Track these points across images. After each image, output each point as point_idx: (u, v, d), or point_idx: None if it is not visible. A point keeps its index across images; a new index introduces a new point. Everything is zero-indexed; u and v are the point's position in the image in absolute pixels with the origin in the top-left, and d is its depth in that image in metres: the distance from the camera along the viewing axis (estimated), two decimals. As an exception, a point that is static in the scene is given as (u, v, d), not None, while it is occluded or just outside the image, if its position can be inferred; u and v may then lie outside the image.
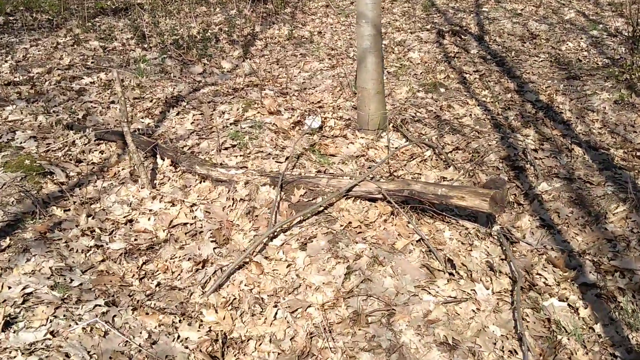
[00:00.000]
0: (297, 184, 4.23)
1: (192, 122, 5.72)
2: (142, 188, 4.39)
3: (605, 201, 4.29)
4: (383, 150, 5.10)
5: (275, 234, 3.84)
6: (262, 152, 4.98)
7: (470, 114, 5.91)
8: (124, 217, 4.10)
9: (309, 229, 3.90)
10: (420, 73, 7.31)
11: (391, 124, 5.50)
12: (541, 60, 7.90)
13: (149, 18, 8.72)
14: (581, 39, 8.84)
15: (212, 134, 5.42)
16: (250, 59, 7.79)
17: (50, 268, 3.45)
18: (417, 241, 3.78)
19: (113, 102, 6.07)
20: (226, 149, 5.07)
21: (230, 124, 5.63)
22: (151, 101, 6.17)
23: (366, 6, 5.08)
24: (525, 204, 4.35)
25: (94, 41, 7.93)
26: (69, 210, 4.09)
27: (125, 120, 4.25)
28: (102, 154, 5.04)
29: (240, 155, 4.90)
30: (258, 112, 5.83)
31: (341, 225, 3.90)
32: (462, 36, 8.95)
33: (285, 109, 5.95)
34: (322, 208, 4.06)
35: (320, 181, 4.16)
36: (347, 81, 6.76)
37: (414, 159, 4.93)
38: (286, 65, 7.54)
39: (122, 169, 4.75)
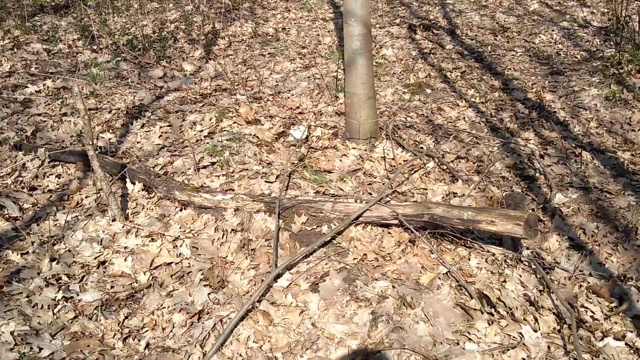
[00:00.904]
0: (297, 210, 3.68)
1: (160, 136, 5.07)
2: (113, 221, 3.75)
3: (631, 214, 3.92)
4: (379, 162, 4.60)
5: (280, 272, 3.28)
6: (247, 169, 4.40)
7: (464, 117, 5.48)
8: (95, 258, 3.47)
9: (319, 264, 3.37)
10: (400, 72, 6.84)
11: (383, 132, 4.99)
12: (519, 55, 7.58)
13: (95, 16, 7.91)
14: (553, 30, 8.58)
15: (185, 149, 4.79)
16: (213, 60, 7.14)
17: (11, 334, 2.81)
18: (444, 274, 3.29)
19: (65, 114, 5.34)
20: (205, 167, 4.45)
21: (205, 136, 5.01)
22: (110, 112, 5.47)
23: (355, 3, 4.57)
24: (546, 219, 3.93)
25: (36, 43, 7.10)
26: (28, 253, 3.42)
27: (90, 143, 3.59)
28: (60, 178, 4.35)
29: (223, 175, 4.30)
30: (234, 122, 5.23)
31: (355, 259, 3.39)
32: (434, 30, 8.53)
33: (263, 117, 5.36)
34: (329, 238, 3.52)
35: (324, 206, 3.63)
36: (324, 82, 6.22)
37: (415, 171, 4.44)
38: (255, 66, 6.92)
39: (86, 197, 4.08)
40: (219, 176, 4.30)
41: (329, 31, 8.56)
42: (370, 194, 4.10)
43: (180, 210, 3.91)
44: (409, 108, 5.66)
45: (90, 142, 3.60)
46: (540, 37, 8.43)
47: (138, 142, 5.00)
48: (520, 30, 8.70)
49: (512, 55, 7.59)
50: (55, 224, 3.75)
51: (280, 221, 3.65)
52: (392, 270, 3.32)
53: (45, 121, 5.16)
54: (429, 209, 3.39)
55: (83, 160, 4.41)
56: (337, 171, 4.44)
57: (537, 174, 4.53)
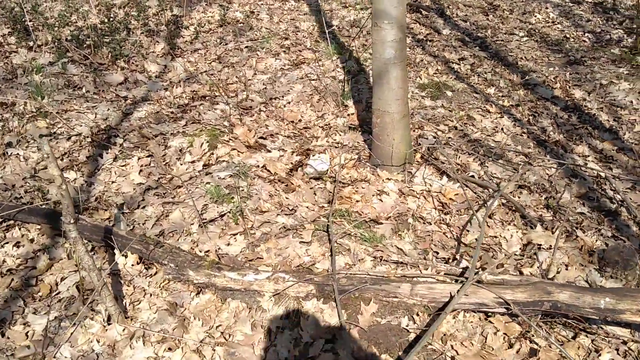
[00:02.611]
0: (362, 294, 2.74)
1: (141, 171, 3.98)
2: (108, 322, 2.72)
3: None
4: (425, 197, 3.71)
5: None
6: (269, 222, 3.42)
7: (502, 128, 4.65)
8: (94, 389, 2.43)
9: (412, 381, 2.45)
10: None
11: (417, 154, 4.09)
12: (525, 40, 6.80)
13: (26, 1, 6.52)
14: (547, 9, 7.83)
15: (178, 190, 3.75)
16: (181, 57, 5.97)
17: None
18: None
19: (10, 144, 4.14)
20: (212, 221, 3.43)
21: (199, 171, 3.95)
22: (69, 139, 4.31)
23: (389, 1, 3.58)
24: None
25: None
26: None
27: (72, 221, 2.53)
28: (19, 247, 3.22)
29: (241, 234, 3.29)
30: (232, 149, 4.19)
31: (457, 367, 2.49)
32: (423, 11, 7.61)
33: (267, 140, 4.35)
34: (413, 333, 2.62)
35: (399, 288, 2.72)
36: (322, 85, 5.22)
37: (471, 208, 3.58)
38: (232, 64, 5.81)
39: (62, 279, 3.01)
40: (235, 235, 3.29)
41: (304, 14, 7.48)
42: (436, 253, 3.21)
43: (197, 294, 2.90)
44: (436, 118, 4.76)
45: (72, 221, 2.52)
46: (535, 16, 7.69)
47: (113, 182, 3.90)
48: (511, 9, 7.93)
49: (517, 41, 6.79)
50: (28, 333, 2.66)
51: (343, 312, 2.70)
52: (513, 384, 2.46)
53: (-16, 158, 3.96)
54: (549, 294, 2.54)
55: (49, 220, 3.30)
56: (382, 216, 3.51)
57: (614, 205, 3.75)
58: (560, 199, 3.75)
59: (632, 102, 5.26)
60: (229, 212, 3.50)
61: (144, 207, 3.62)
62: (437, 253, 3.20)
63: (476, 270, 2.76)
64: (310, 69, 5.64)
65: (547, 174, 4.09)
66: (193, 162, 4.10)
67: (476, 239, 3.30)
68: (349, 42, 6.44)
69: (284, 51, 6.15)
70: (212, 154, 4.17)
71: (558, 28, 7.28)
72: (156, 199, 3.70)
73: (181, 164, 4.04)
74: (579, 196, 3.84)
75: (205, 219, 3.46)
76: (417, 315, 2.72)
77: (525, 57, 6.24)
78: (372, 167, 4.06)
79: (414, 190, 3.81)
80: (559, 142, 4.47)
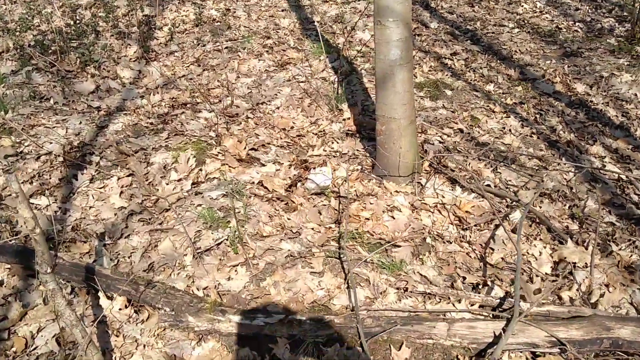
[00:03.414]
0: (391, 336, 2.38)
1: (122, 193, 3.56)
2: (98, 384, 2.29)
3: None
4: (440, 211, 3.38)
5: None
6: (272, 249, 3.04)
7: (510, 129, 4.34)
8: None
9: None
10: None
11: (425, 161, 3.75)
12: (517, 32, 6.50)
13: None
14: (532, -3, 7.55)
15: (164, 214, 3.35)
16: (156, 60, 5.52)
17: None
18: None
19: (-28, 167, 3.64)
20: (208, 250, 3.04)
21: (188, 191, 3.54)
22: (38, 159, 3.85)
23: (394, -4, 3.23)
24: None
25: None
26: None
27: (50, 270, 2.12)
28: (-14, 292, 2.79)
29: (242, 265, 2.91)
30: (222, 163, 3.79)
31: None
32: (408, 4, 7.24)
33: (260, 152, 3.97)
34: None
35: (434, 329, 2.37)
36: (313, 87, 4.85)
37: (491, 222, 3.26)
38: (213, 66, 5.39)
39: (38, 330, 2.58)
40: (236, 267, 2.91)
41: (283, 10, 7.07)
42: (463, 278, 2.88)
43: (199, 342, 2.51)
44: (439, 120, 4.42)
45: (49, 270, 2.12)
46: (522, 5, 7.42)
47: (91, 207, 3.47)
48: (497, -1, 7.61)
49: (509, 32, 6.50)
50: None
51: (372, 359, 2.34)
52: None
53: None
54: (608, 330, 2.23)
55: (20, 259, 2.87)
56: (396, 236, 3.16)
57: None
58: (585, 207, 3.43)
59: (636, 95, 5.01)
60: (226, 239, 3.10)
61: (128, 237, 3.20)
62: (464, 278, 2.86)
63: (520, 310, 2.40)
64: (298, 70, 5.25)
65: (565, 179, 3.78)
66: (180, 180, 3.68)
67: (468, 242, 2.97)
68: (334, 40, 6.06)
69: (267, 51, 5.74)
70: (201, 170, 3.76)
71: (547, 18, 7.01)
72: (141, 226, 3.28)
73: (167, 184, 3.62)
74: (604, 203, 3.53)
75: (200, 249, 3.06)
76: (457, 359, 2.37)
77: (519, 50, 5.94)
78: (377, 178, 3.71)
79: (426, 204, 3.47)
80: (572, 143, 4.17)
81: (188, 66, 5.49)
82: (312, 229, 3.25)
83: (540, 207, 3.48)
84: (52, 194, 3.55)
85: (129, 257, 3.05)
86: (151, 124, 4.40)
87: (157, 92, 4.91)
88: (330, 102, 4.62)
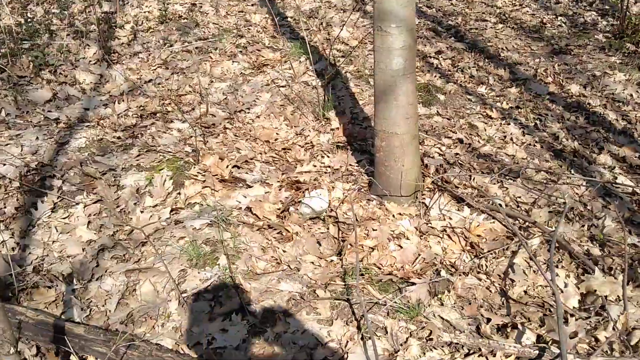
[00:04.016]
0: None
1: (89, 224, 3.12)
2: None
3: None
4: (450, 236, 3.07)
5: None
6: (270, 291, 2.66)
7: (511, 137, 4.06)
8: None
9: None
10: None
11: (427, 179, 3.43)
12: (501, 28, 6.23)
13: None
14: (508, -12, 7.31)
15: (141, 249, 2.94)
16: (119, 63, 5.03)
17: None
18: None
19: None
20: (196, 295, 2.63)
21: (166, 220, 3.12)
22: (-11, 185, 3.35)
23: (396, 0, 2.87)
24: None
25: None
26: None
27: (12, 350, 1.71)
28: None
29: (237, 312, 2.52)
30: (204, 185, 3.38)
31: None
32: (385, -2, 6.88)
33: (240, 167, 3.59)
34: None
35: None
36: (294, 93, 4.46)
37: (507, 248, 2.96)
38: (182, 69, 4.93)
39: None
40: (229, 316, 2.52)
41: (253, 5, 6.63)
42: (488, 320, 2.56)
43: (194, 415, 2.11)
44: (435, 129, 4.10)
45: (12, 350, 1.71)
46: (500, -1, 7.14)
47: (55, 242, 3.03)
48: (474, -9, 7.33)
49: (492, 28, 6.21)
50: None
51: None
52: None
53: None
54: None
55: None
56: (407, 270, 2.82)
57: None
58: (604, 227, 3.16)
59: (632, 95, 4.79)
60: (217, 279, 2.70)
61: (100, 278, 2.78)
62: (489, 320, 2.55)
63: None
64: (277, 73, 4.84)
65: (577, 194, 3.50)
66: (156, 206, 3.26)
67: (527, 294, 2.66)
68: (311, 37, 5.66)
69: (241, 51, 5.30)
70: (179, 194, 3.34)
71: (528, 12, 6.77)
72: (115, 265, 2.86)
73: (141, 211, 3.19)
74: (620, 221, 3.26)
75: (186, 292, 2.65)
76: None
77: (506, 47, 5.66)
78: (376, 198, 3.36)
79: (434, 228, 3.14)
80: (578, 153, 3.91)
81: (155, 69, 5.02)
82: (312, 262, 2.89)
83: (555, 226, 3.17)
84: (7, 227, 3.09)
85: (103, 305, 2.63)
86: (118, 138, 3.94)
87: (123, 100, 4.43)
88: (315, 109, 4.23)
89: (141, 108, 4.38)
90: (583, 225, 3.19)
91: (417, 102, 3.28)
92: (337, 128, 4.08)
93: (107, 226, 3.13)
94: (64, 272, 2.82)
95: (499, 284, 2.81)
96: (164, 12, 5.88)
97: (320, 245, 2.98)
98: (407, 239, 3.02)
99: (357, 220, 3.17)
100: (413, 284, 2.71)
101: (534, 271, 2.86)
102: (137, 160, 3.67)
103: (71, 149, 3.79)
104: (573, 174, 3.64)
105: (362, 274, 2.77)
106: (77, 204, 3.25)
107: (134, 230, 3.09)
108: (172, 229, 3.08)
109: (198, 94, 4.60)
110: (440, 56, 5.45)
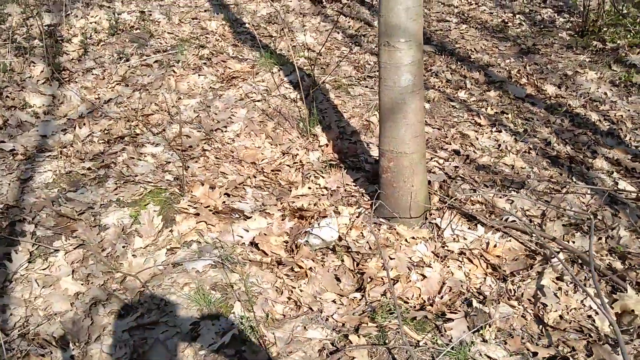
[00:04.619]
0: None
1: (74, 273, 2.79)
2: None
3: None
4: (471, 260, 2.90)
5: None
6: (297, 340, 2.41)
7: (506, 145, 3.96)
8: None
9: None
10: (349, 71, 5.01)
11: (435, 197, 3.27)
12: (466, 29, 6.17)
13: None
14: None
15: (139, 298, 2.59)
16: (71, 81, 4.60)
17: None
18: None
19: None
20: (215, 352, 2.35)
21: (163, 263, 2.82)
22: (-51, 235, 2.93)
23: (406, 13, 2.70)
24: None
25: None
26: None
27: None
28: None
29: (267, 370, 2.27)
30: (198, 220, 3.07)
31: None
32: (341, 0, 6.73)
33: (229, 194, 3.32)
34: None
35: None
36: (272, 107, 4.21)
37: (531, 268, 2.83)
38: (145, 85, 4.56)
39: None
40: (259, 374, 2.24)
41: (206, 11, 6.28)
42: (534, 355, 2.41)
43: None
44: (429, 141, 3.95)
45: None
46: (452, -2, 7.10)
47: (37, 298, 2.69)
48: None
49: (456, 29, 6.15)
50: None
51: None
52: None
53: None
54: None
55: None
56: (436, 302, 2.64)
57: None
58: (620, 238, 3.09)
59: (606, 94, 4.81)
60: (236, 330, 2.42)
61: (99, 339, 2.44)
62: (535, 354, 2.39)
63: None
64: (250, 87, 4.55)
65: (583, 202, 3.42)
66: (147, 247, 2.93)
67: (563, 319, 2.53)
68: (274, 44, 5.39)
69: (205, 63, 4.97)
70: (171, 231, 3.02)
71: (486, 11, 6.75)
72: (114, 321, 2.51)
73: (133, 255, 2.85)
74: (633, 230, 3.21)
75: (203, 348, 2.36)
76: None
77: (474, 48, 5.59)
78: (385, 222, 3.15)
79: (451, 251, 2.97)
80: (574, 159, 3.84)
81: (113, 87, 4.61)
82: (333, 301, 2.66)
83: (574, 242, 3.07)
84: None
85: (107, 377, 2.29)
86: (88, 169, 3.56)
87: (84, 124, 4.03)
88: (299, 125, 3.98)
89: (106, 132, 4.00)
90: (600, 238, 3.09)
91: (424, 118, 3.09)
92: (326, 144, 3.86)
93: (95, 275, 2.78)
94: (55, 335, 2.47)
95: (532, 310, 2.66)
96: (113, 23, 5.44)
97: (340, 282, 2.74)
98: (429, 266, 2.84)
99: (370, 248, 2.95)
100: (450, 319, 2.51)
101: (565, 293, 2.73)
102: (116, 194, 3.31)
103: (37, 185, 3.38)
104: (577, 183, 3.56)
105: (390, 312, 2.55)
106: (57, 250, 2.88)
107: (126, 277, 2.75)
108: (172, 273, 2.77)
109: (167, 112, 4.24)
110: (411, 60, 5.28)
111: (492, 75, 5.07)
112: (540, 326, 2.59)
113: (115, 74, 4.78)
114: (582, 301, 2.73)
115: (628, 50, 5.27)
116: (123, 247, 2.93)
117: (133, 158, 3.69)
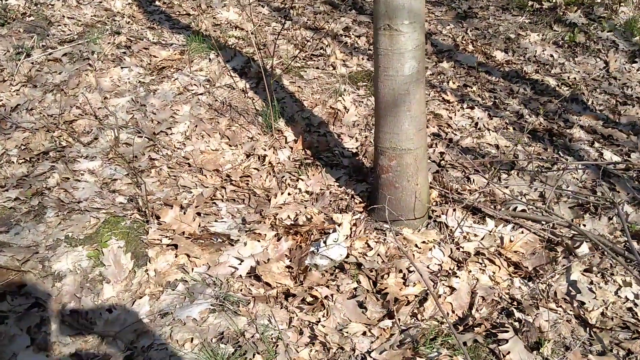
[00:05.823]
0: None
1: (33, 342, 2.19)
2: None
3: None
4: (492, 261, 2.64)
5: None
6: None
7: (483, 123, 3.73)
8: None
9: None
10: (302, 54, 4.56)
11: (434, 192, 2.97)
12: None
13: None
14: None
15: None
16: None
17: None
18: None
19: None
20: None
21: (147, 312, 2.29)
22: None
23: (409, -9, 2.33)
24: None
25: None
26: None
27: None
28: None
29: None
30: (176, 253, 2.56)
31: None
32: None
33: (200, 214, 2.82)
34: None
35: None
36: (219, 101, 3.69)
37: (556, 262, 2.64)
38: (59, 85, 3.87)
39: None
40: None
41: (106, -13, 5.47)
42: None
43: None
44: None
45: None
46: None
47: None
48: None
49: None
50: None
51: None
52: None
53: None
54: None
55: None
56: (480, 318, 2.35)
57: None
58: (628, 215, 2.95)
59: (552, 55, 4.72)
60: (266, 396, 1.98)
61: None
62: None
63: None
64: (187, 78, 3.95)
65: (576, 179, 3.26)
66: (119, 296, 2.37)
67: (605, 316, 2.34)
68: (195, 23, 4.78)
69: (124, 52, 4.28)
70: (147, 271, 2.48)
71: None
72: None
73: (108, 310, 2.29)
74: (636, 204, 3.09)
75: None
76: None
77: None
78: (388, 226, 2.80)
79: (468, 252, 2.68)
80: (552, 131, 3.68)
81: (18, 89, 3.85)
82: (364, 334, 2.28)
83: (585, 225, 2.89)
84: None
85: None
86: (16, 199, 2.88)
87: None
88: (257, 119, 3.49)
89: (23, 148, 3.30)
90: (611, 218, 2.93)
91: (425, 110, 2.73)
92: (294, 140, 3.41)
93: (62, 342, 2.20)
94: None
95: (571, 311, 2.43)
96: (1, 11, 4.55)
97: (366, 311, 2.36)
98: (456, 276, 2.52)
99: (384, 262, 2.59)
100: (503, 340, 2.22)
101: (600, 287, 2.52)
102: (62, 229, 2.69)
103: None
104: (567, 159, 3.38)
105: (432, 338, 2.22)
106: (6, 317, 2.25)
107: (104, 339, 2.20)
108: (162, 326, 2.25)
109: (93, 116, 3.58)
110: (351, 33, 4.90)
111: (438, 44, 4.80)
112: (587, 328, 2.36)
113: (17, 73, 3.98)
114: (616, 292, 2.54)
115: (565, 9, 5.18)
116: (93, 300, 2.35)
117: (68, 179, 3.05)
